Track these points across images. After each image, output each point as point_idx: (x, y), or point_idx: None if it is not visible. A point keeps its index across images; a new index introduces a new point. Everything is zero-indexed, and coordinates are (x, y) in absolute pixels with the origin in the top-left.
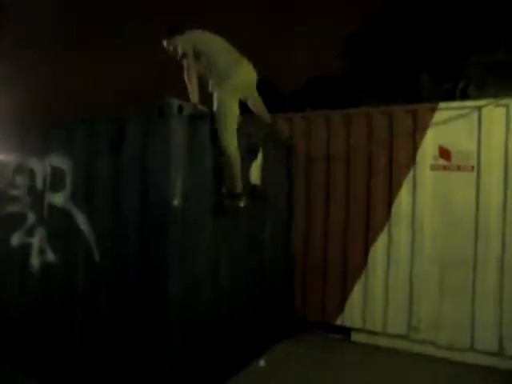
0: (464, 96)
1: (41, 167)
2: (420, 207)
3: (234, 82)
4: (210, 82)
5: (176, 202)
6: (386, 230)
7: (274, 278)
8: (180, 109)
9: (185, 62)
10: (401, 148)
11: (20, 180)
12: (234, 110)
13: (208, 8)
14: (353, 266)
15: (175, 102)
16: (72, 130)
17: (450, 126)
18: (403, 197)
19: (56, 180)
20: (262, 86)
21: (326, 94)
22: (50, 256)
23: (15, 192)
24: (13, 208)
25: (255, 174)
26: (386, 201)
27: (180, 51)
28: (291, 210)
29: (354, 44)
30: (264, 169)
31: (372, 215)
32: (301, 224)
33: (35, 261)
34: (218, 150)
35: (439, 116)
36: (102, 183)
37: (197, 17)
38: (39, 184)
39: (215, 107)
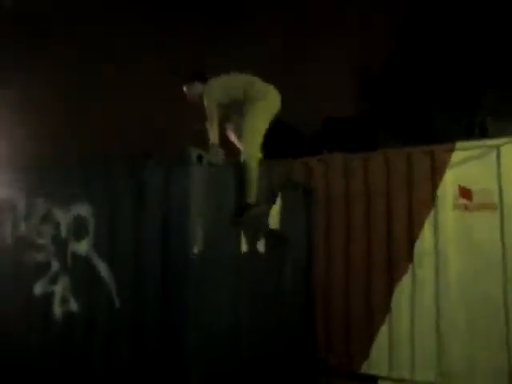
0: (483, 131)
1: (65, 216)
2: (443, 248)
3: (265, 103)
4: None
5: (196, 250)
6: (409, 271)
7: (295, 320)
8: (199, 158)
9: (206, 105)
10: (420, 188)
11: (45, 229)
12: (262, 125)
13: (221, 46)
14: (376, 308)
15: (195, 151)
16: (94, 178)
17: (469, 165)
18: (425, 237)
19: (79, 229)
20: (280, 127)
21: (343, 135)
22: (73, 305)
23: (41, 240)
24: (37, 256)
25: (274, 218)
26: (408, 242)
27: (206, 104)
28: (311, 253)
29: (369, 83)
30: (283, 213)
31: (394, 256)
32: (321, 266)
33: (58, 309)
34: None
35: (457, 156)
36: (123, 232)
37: (209, 56)
38: (63, 232)
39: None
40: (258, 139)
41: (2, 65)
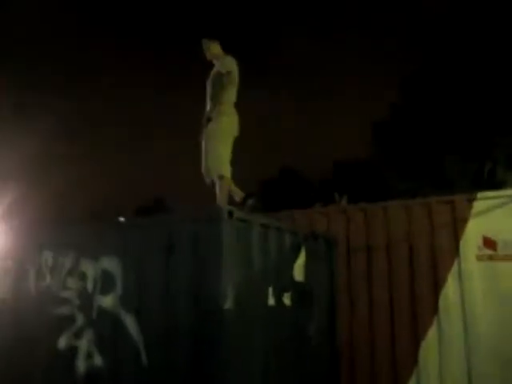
0: (492, 177)
1: (92, 269)
2: (470, 299)
3: (234, 119)
4: (217, 105)
5: (227, 307)
6: (435, 323)
7: (321, 374)
8: (230, 214)
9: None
10: (443, 239)
11: (71, 282)
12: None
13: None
14: (403, 363)
15: (225, 207)
16: (124, 233)
17: (491, 215)
18: (450, 289)
19: (106, 283)
20: (286, 175)
21: (354, 179)
22: (98, 360)
23: (66, 294)
24: (62, 310)
25: (298, 270)
26: (432, 293)
27: (223, 69)
28: (334, 305)
29: (379, 128)
30: (307, 265)
31: (418, 308)
32: (344, 316)
33: (82, 364)
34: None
35: (478, 206)
36: (152, 287)
37: None
38: (90, 286)
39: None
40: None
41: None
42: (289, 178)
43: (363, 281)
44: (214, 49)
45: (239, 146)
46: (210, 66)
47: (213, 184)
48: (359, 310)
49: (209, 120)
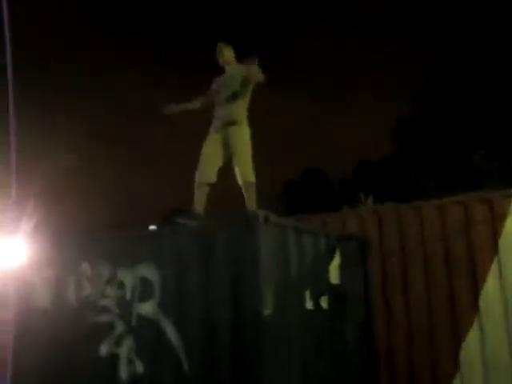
0: None
1: (130, 278)
2: (511, 297)
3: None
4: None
5: (267, 313)
6: (475, 323)
7: (358, 377)
8: (266, 219)
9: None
10: (481, 237)
11: (110, 290)
12: None
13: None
14: (443, 366)
15: (261, 212)
16: (161, 241)
17: None
18: (490, 288)
19: (144, 290)
20: (312, 175)
21: (378, 178)
22: (139, 367)
23: (105, 302)
24: (102, 318)
25: (334, 273)
26: (472, 293)
27: (254, 76)
28: (370, 307)
29: (404, 126)
30: (342, 267)
31: (458, 308)
32: (381, 319)
33: (123, 371)
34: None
35: None
36: (190, 293)
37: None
38: (128, 294)
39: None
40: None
41: None
42: (313, 179)
43: (399, 282)
44: (228, 54)
45: (265, 148)
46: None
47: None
48: (396, 313)
49: (232, 123)
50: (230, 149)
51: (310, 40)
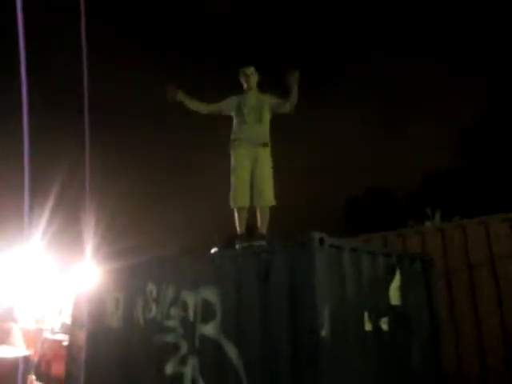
0: None
1: (193, 299)
2: None
3: None
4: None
5: (324, 333)
6: None
7: None
8: (321, 241)
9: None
10: None
11: (174, 311)
12: None
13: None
14: None
15: (317, 235)
16: (221, 264)
17: None
18: None
19: (207, 311)
20: (377, 194)
21: (444, 191)
22: None
23: (170, 323)
24: (168, 338)
25: (394, 294)
26: None
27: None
28: (437, 329)
29: (468, 137)
30: (403, 288)
31: None
32: (449, 341)
33: None
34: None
35: None
36: (250, 314)
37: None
38: (191, 315)
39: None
40: None
41: None
42: (376, 196)
43: (467, 302)
44: (257, 79)
45: (330, 169)
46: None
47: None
48: (465, 335)
49: (265, 145)
50: (255, 170)
51: (368, 56)
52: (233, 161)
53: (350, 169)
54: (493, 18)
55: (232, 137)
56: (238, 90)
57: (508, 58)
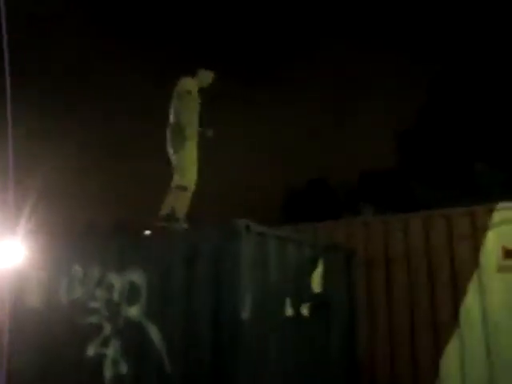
0: None
1: (118, 281)
2: (491, 311)
3: None
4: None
5: (245, 315)
6: (456, 335)
7: None
8: (248, 228)
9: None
10: (462, 250)
11: (99, 293)
12: None
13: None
14: (424, 376)
15: (243, 222)
16: (147, 247)
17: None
18: (471, 301)
19: (132, 294)
20: (315, 185)
21: (380, 188)
22: (123, 367)
23: (94, 304)
24: (91, 319)
25: (316, 282)
26: (453, 306)
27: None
28: (354, 317)
29: (405, 136)
30: (325, 277)
31: (439, 321)
32: (364, 329)
33: (108, 372)
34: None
35: (498, 216)
36: (174, 297)
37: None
38: (116, 297)
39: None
40: None
41: None
42: (317, 188)
43: (383, 293)
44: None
45: (269, 159)
46: None
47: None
48: (379, 323)
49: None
50: None
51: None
52: None
53: (293, 157)
54: (432, 16)
55: None
56: None
57: (447, 58)
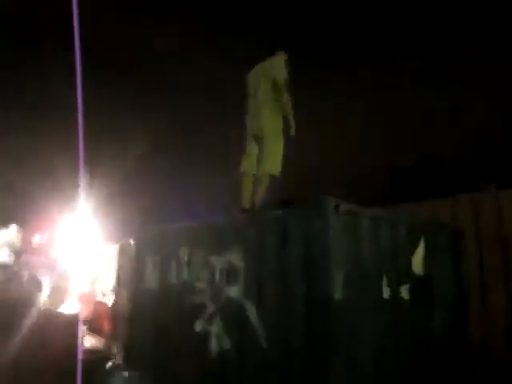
0: None
1: (220, 263)
2: None
3: None
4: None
5: (337, 296)
6: None
7: (449, 373)
8: (336, 207)
9: None
10: None
11: (203, 274)
12: None
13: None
14: None
15: (332, 201)
16: (244, 229)
17: None
18: None
19: (232, 275)
20: (428, 162)
21: (498, 163)
22: (226, 342)
23: (200, 285)
24: (197, 299)
25: (417, 263)
26: None
27: None
28: (464, 300)
29: None
30: (427, 257)
31: None
32: (477, 313)
33: (214, 345)
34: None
35: None
36: (269, 278)
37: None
38: (218, 278)
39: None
40: None
41: None
42: (428, 165)
43: (497, 275)
44: None
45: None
46: None
47: None
48: (494, 308)
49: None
50: None
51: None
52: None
53: (397, 136)
54: None
55: None
56: None
57: None
